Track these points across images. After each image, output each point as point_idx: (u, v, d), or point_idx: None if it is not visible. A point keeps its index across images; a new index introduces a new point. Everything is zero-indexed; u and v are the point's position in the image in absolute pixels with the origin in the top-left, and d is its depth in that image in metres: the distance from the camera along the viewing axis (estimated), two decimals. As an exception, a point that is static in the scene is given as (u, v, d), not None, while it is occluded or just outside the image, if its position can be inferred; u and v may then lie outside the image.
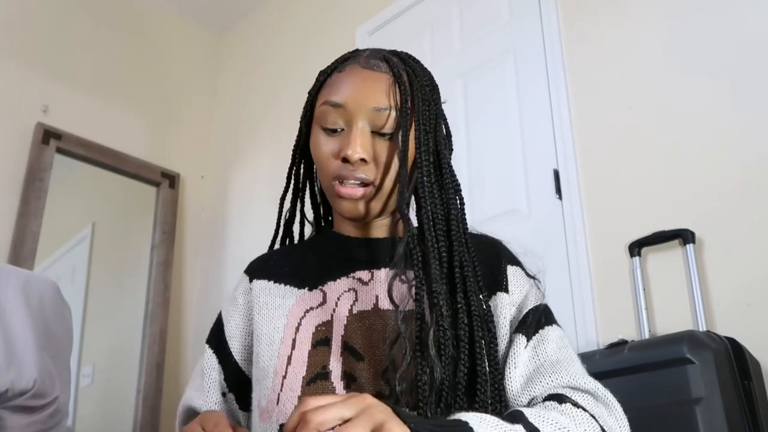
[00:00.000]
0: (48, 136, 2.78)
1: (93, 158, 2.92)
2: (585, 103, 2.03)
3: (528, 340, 0.78)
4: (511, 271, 0.85)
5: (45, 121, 2.80)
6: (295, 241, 0.98)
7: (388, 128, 0.82)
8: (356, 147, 0.80)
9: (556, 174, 2.00)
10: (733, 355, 1.40)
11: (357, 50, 0.93)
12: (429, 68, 0.93)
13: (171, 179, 3.17)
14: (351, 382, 0.76)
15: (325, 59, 0.85)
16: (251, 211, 3.02)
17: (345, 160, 0.81)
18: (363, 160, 0.81)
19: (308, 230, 0.99)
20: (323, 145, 0.84)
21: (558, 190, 1.99)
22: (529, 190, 2.06)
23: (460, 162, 2.17)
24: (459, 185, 0.85)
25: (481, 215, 2.07)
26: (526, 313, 0.81)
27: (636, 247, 1.75)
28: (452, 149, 0.90)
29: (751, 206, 1.63)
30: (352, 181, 0.81)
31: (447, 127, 0.90)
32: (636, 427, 1.45)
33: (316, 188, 0.97)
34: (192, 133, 3.39)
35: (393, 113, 0.82)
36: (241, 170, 3.21)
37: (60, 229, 2.90)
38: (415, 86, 0.85)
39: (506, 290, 0.82)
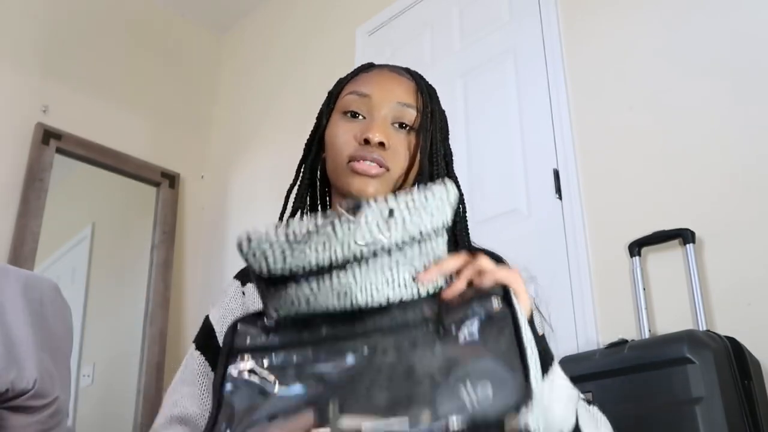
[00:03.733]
0: (48, 136, 2.78)
1: (93, 158, 2.92)
2: (585, 103, 2.03)
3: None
4: None
5: (45, 121, 2.80)
6: None
7: (408, 122, 0.89)
8: (377, 131, 0.85)
9: (556, 174, 2.00)
10: (733, 355, 1.40)
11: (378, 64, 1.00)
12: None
13: (171, 179, 3.17)
14: None
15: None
16: (251, 211, 3.02)
17: (366, 141, 0.85)
18: (382, 144, 0.85)
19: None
20: (343, 129, 0.89)
21: (558, 190, 1.99)
22: (529, 190, 2.06)
23: (460, 162, 2.16)
24: (463, 195, 0.90)
25: (481, 215, 2.07)
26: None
27: (636, 247, 1.75)
28: (453, 165, 0.96)
29: (751, 206, 1.63)
30: (369, 161, 0.85)
31: (450, 147, 0.97)
32: (636, 427, 1.45)
33: (317, 185, 0.98)
34: (192, 133, 3.39)
35: (414, 112, 0.89)
36: (241, 170, 3.21)
37: (60, 229, 2.90)
38: (434, 99, 0.93)
39: None
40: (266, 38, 3.38)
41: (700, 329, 1.55)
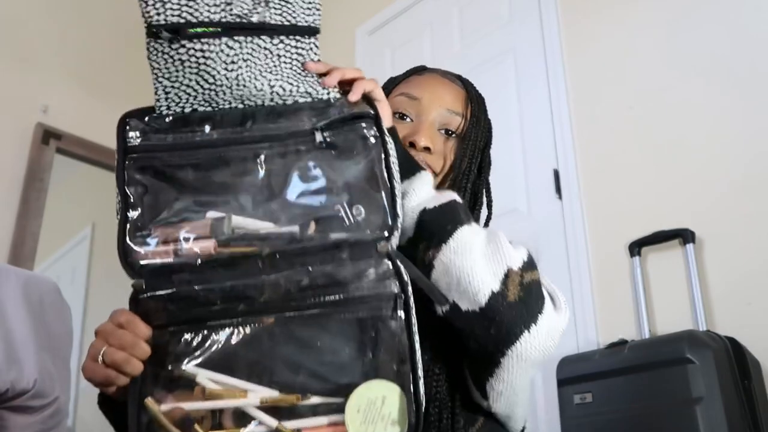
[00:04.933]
0: (48, 136, 2.78)
1: (93, 158, 2.92)
2: (585, 103, 2.03)
3: None
4: None
5: (45, 121, 2.80)
6: None
7: (453, 129, 0.90)
8: (423, 136, 0.86)
9: (556, 174, 2.00)
10: (733, 355, 1.40)
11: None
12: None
13: (171, 179, 3.17)
14: None
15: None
16: (251, 211, 3.01)
17: (411, 144, 0.86)
18: (427, 148, 0.87)
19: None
20: None
21: (558, 190, 1.99)
22: (529, 190, 2.06)
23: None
24: (492, 201, 0.94)
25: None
26: None
27: (636, 247, 1.75)
28: (489, 173, 0.97)
29: (751, 206, 1.63)
30: None
31: (490, 156, 0.97)
32: (636, 427, 1.46)
33: None
34: (192, 133, 3.39)
35: (460, 119, 0.90)
36: (241, 170, 3.21)
37: (60, 229, 2.90)
38: (482, 107, 0.94)
39: None
40: (266, 38, 3.38)
41: (700, 329, 1.55)
